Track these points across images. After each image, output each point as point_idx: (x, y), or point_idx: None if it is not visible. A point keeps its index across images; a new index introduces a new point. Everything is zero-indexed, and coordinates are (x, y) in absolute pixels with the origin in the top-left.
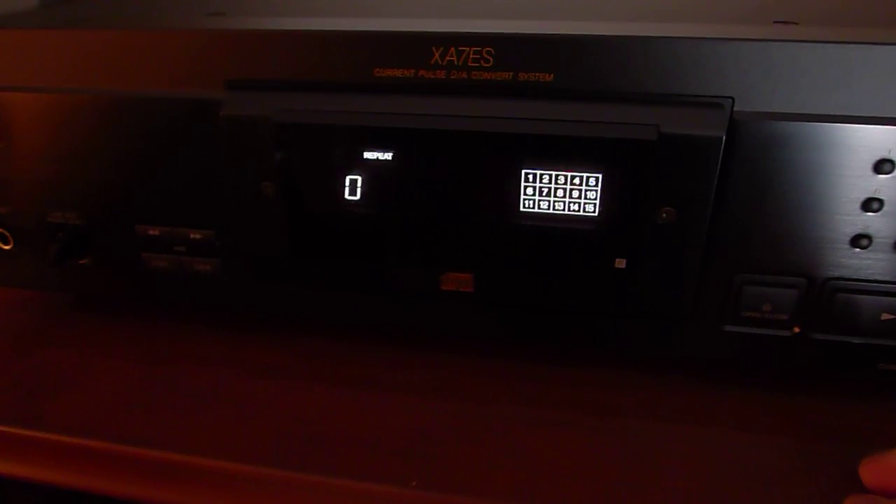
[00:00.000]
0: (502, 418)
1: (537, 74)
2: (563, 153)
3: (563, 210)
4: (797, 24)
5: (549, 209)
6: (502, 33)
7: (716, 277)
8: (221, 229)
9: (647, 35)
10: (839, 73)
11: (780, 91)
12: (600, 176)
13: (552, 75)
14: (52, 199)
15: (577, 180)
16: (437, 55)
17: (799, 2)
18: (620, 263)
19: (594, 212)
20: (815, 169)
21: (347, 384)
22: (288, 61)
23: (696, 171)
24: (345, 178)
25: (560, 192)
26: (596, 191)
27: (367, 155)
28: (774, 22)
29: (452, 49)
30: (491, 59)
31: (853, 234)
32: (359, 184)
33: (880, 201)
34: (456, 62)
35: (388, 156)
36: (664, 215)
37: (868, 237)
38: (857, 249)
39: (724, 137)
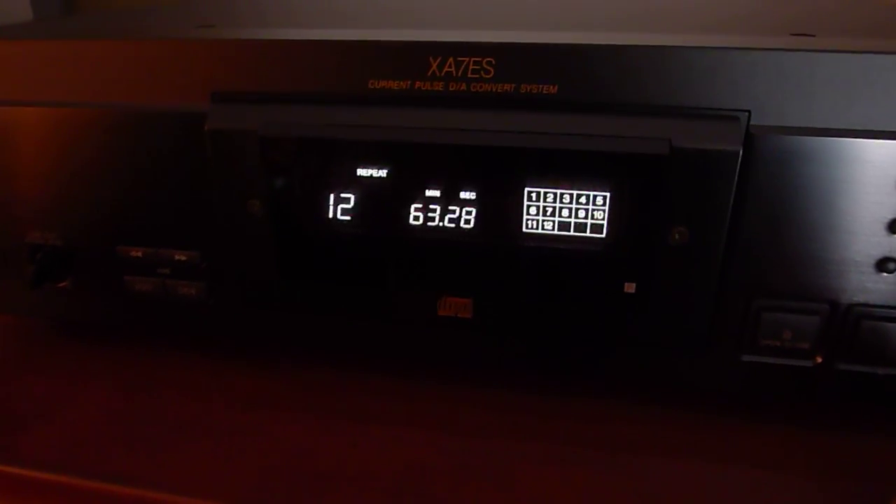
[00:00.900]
0: (503, 454)
1: (541, 86)
2: (568, 169)
3: (569, 231)
4: (814, 35)
5: (553, 230)
6: (504, 42)
7: (732, 303)
8: (207, 251)
9: (657, 44)
10: (861, 84)
11: (798, 104)
12: (608, 194)
13: (556, 87)
14: (31, 217)
15: (583, 199)
16: (434, 66)
17: (815, 14)
18: (630, 288)
19: (601, 233)
20: (836, 186)
21: (338, 416)
22: (277, 72)
23: (711, 188)
24: (336, 196)
25: (565, 212)
26: (603, 210)
27: (361, 171)
28: (791, 34)
29: (451, 59)
30: (492, 70)
31: (879, 257)
32: (351, 202)
33: None
34: (454, 73)
35: (383, 172)
36: (676, 236)
37: (894, 260)
38: (884, 273)
39: (740, 152)
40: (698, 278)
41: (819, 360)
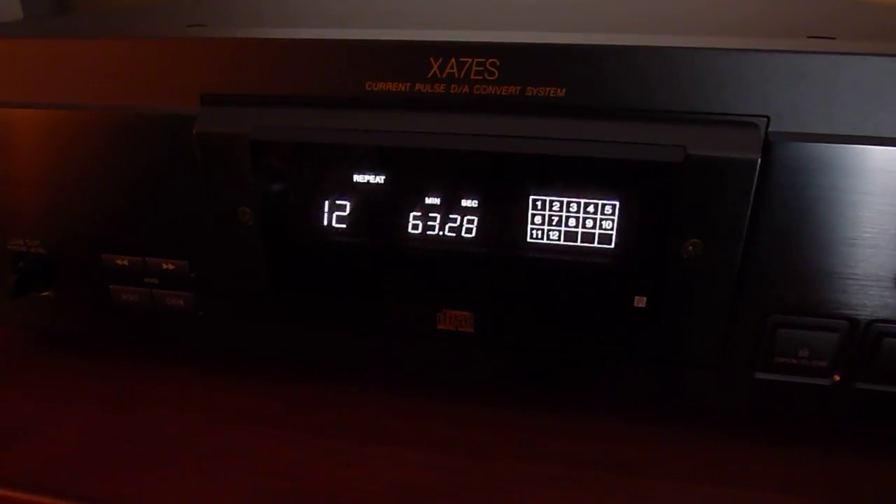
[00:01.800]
0: (505, 475)
1: (548, 89)
2: (575, 177)
3: (576, 241)
4: (834, 38)
5: (559, 240)
6: (509, 43)
7: (747, 318)
8: (196, 260)
9: (671, 45)
10: (886, 89)
11: (820, 109)
12: (618, 203)
13: (564, 90)
14: (12, 224)
15: (591, 208)
16: (435, 67)
17: (833, 18)
18: (640, 302)
19: (610, 243)
20: (858, 197)
21: (332, 434)
22: (269, 73)
23: (727, 198)
24: (331, 204)
25: (572, 221)
26: (613, 220)
27: (357, 178)
28: (809, 37)
29: (453, 60)
30: (496, 72)
31: None
32: (347, 210)
33: None
34: (457, 75)
35: (380, 179)
36: (690, 248)
37: None
38: None
39: (758, 160)
40: (712, 292)
41: (837, 378)
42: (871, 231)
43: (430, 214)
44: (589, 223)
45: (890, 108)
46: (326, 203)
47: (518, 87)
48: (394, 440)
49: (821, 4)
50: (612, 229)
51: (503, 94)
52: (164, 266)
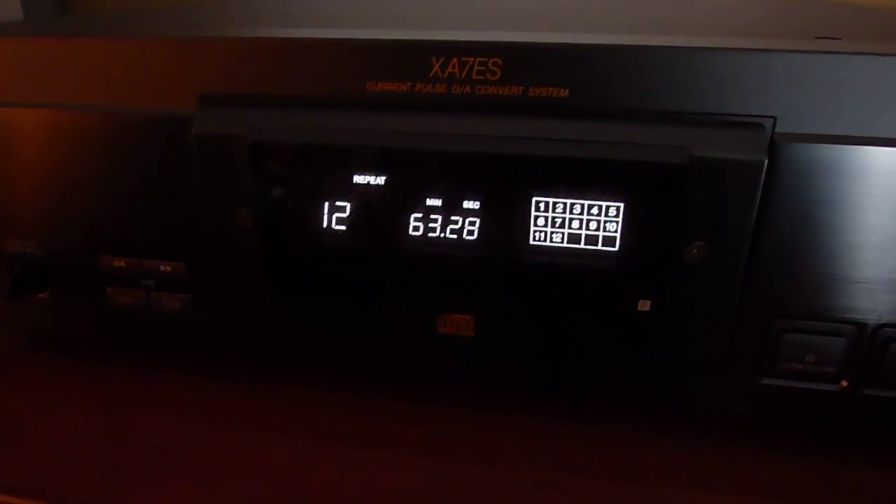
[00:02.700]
0: (506, 482)
1: (551, 89)
2: (579, 179)
3: (579, 244)
4: (840, 39)
5: (562, 242)
6: (511, 42)
7: (752, 323)
8: (193, 262)
9: (676, 45)
10: (893, 89)
11: (827, 110)
12: (622, 205)
13: (567, 90)
14: (8, 225)
15: (594, 210)
16: (436, 67)
17: (838, 19)
18: (644, 306)
19: (614, 246)
20: (865, 200)
21: (330, 440)
22: (268, 73)
23: (733, 200)
24: (331, 205)
25: (575, 224)
26: (616, 222)
27: (357, 179)
28: (815, 38)
29: (455, 60)
30: (498, 72)
31: None
32: (346, 211)
33: None
34: (458, 75)
35: (381, 180)
36: (695, 251)
37: None
38: None
39: (765, 161)
40: (717, 296)
41: (845, 384)
42: (879, 234)
43: (431, 216)
44: (592, 225)
45: (894, 108)
46: (325, 205)
47: (521, 88)
48: (393, 446)
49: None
50: (615, 231)
51: (505, 94)
52: (162, 268)
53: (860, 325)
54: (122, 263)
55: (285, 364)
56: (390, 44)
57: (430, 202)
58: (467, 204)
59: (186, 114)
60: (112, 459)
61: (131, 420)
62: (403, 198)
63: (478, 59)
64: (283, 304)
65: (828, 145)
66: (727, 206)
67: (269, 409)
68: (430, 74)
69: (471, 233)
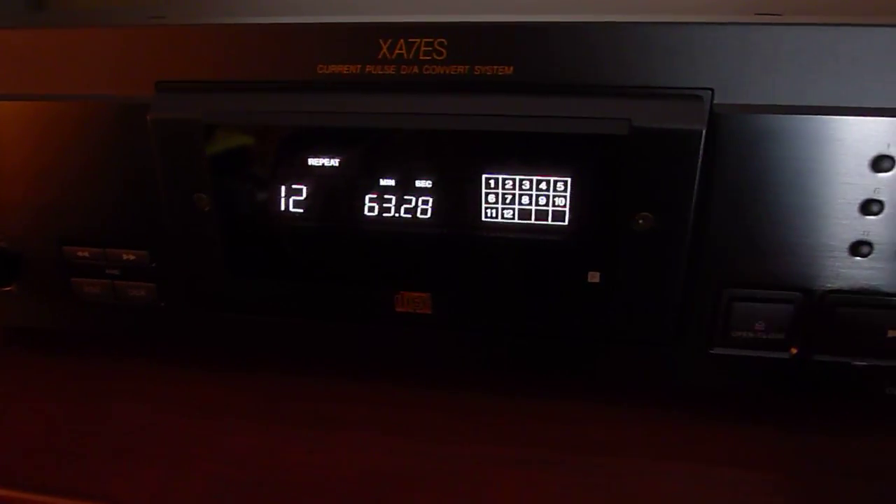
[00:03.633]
0: (468, 458)
1: (495, 67)
2: (526, 154)
3: (530, 219)
4: (780, 15)
5: (513, 218)
6: (456, 22)
7: (702, 293)
8: (156, 249)
9: (615, 21)
10: (829, 60)
11: (764, 81)
12: (569, 179)
13: (512, 68)
14: None
15: (543, 185)
16: (385, 48)
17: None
18: (594, 277)
19: (564, 220)
20: (806, 167)
21: (296, 423)
22: (223, 59)
23: (674, 170)
24: (287, 188)
25: (525, 199)
26: (565, 196)
27: (312, 161)
28: (756, 14)
29: (402, 41)
30: (444, 52)
31: (852, 241)
32: (303, 194)
33: (880, 203)
34: (406, 55)
35: (335, 161)
36: (641, 221)
37: (868, 244)
38: (858, 258)
39: (703, 131)
40: (665, 266)
41: (794, 351)
42: (821, 201)
43: (386, 196)
44: (542, 200)
45: (833, 78)
46: (281, 187)
47: (466, 67)
48: (357, 426)
49: None
50: (564, 206)
51: (452, 73)
52: (125, 257)
53: (807, 292)
54: (86, 253)
55: (251, 349)
56: (340, 27)
57: (383, 182)
58: (420, 183)
59: (145, 101)
60: (81, 446)
61: (100, 408)
62: (357, 178)
63: (424, 40)
64: (243, 287)
65: (766, 115)
66: (670, 177)
67: (234, 393)
68: (379, 56)
69: (424, 211)
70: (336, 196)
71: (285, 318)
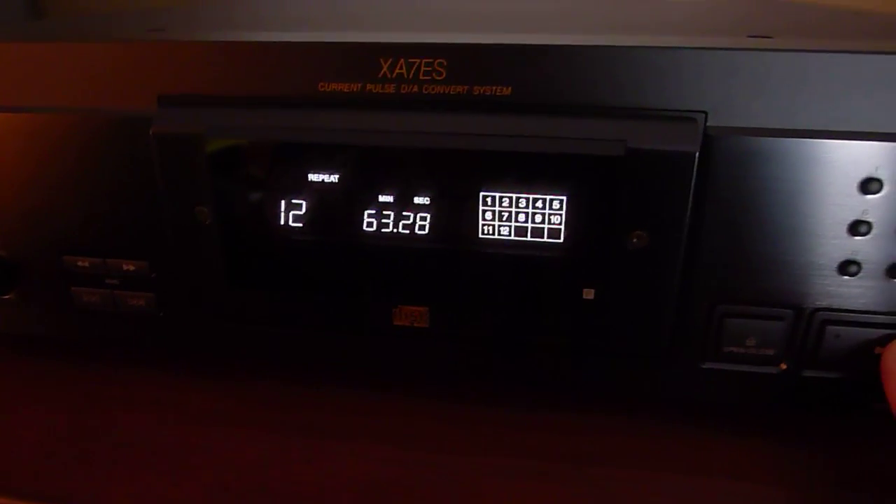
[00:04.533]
0: (467, 468)
1: (494, 87)
2: (523, 173)
3: (526, 236)
4: (771, 38)
5: (510, 235)
6: (455, 43)
7: (694, 309)
8: (156, 260)
9: (611, 44)
10: (821, 84)
11: (757, 104)
12: (565, 198)
13: (510, 88)
14: None
15: (539, 203)
16: (385, 67)
17: (773, 20)
18: (588, 294)
19: (559, 237)
20: (796, 188)
21: (293, 431)
22: (225, 75)
23: (668, 190)
24: (287, 203)
25: (522, 217)
26: (560, 214)
27: (312, 176)
28: (748, 36)
29: (402, 61)
30: (444, 72)
31: (841, 260)
32: (302, 208)
33: (868, 224)
34: (406, 75)
35: (335, 177)
36: (635, 240)
37: (857, 263)
38: (846, 277)
39: (696, 153)
40: (659, 283)
41: (784, 367)
42: (811, 221)
43: (384, 212)
44: (538, 218)
45: (824, 102)
46: (281, 202)
47: (465, 87)
48: (355, 436)
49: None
50: (560, 224)
51: (451, 93)
52: (125, 267)
53: (797, 309)
54: (86, 263)
55: (250, 359)
56: (341, 46)
57: (382, 198)
58: (418, 199)
59: (147, 115)
60: (79, 454)
61: (98, 416)
62: (357, 194)
63: (424, 60)
64: (242, 299)
65: (758, 137)
66: (664, 197)
67: (234, 402)
68: (380, 75)
69: (422, 227)
70: (335, 211)
71: (284, 329)
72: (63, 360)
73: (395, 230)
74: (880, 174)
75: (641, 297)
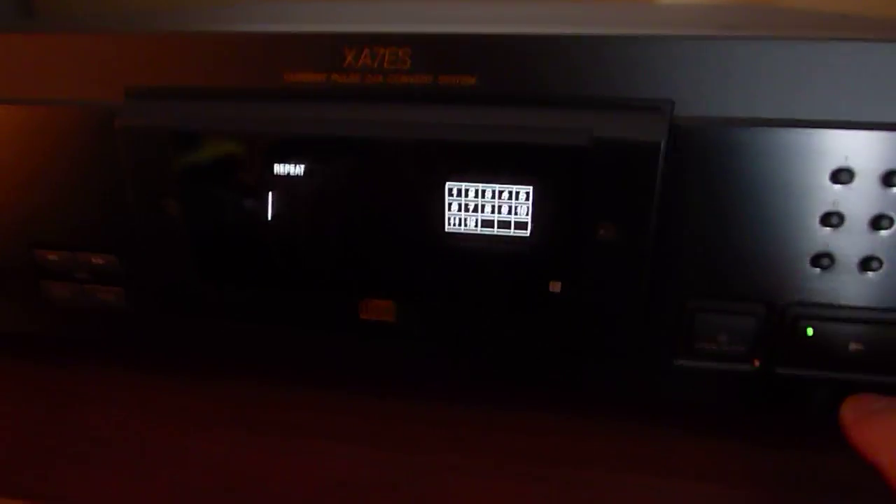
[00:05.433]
0: (435, 468)
1: (459, 77)
2: (488, 164)
3: (493, 229)
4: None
5: (476, 227)
6: (420, 33)
7: (665, 304)
8: (124, 254)
9: (577, 33)
10: (789, 72)
11: (724, 93)
12: (531, 189)
13: (475, 78)
14: None
15: (506, 195)
16: (350, 57)
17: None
18: (555, 287)
19: (526, 230)
20: (766, 179)
21: (262, 430)
22: (191, 66)
23: (635, 181)
24: (252, 194)
25: (488, 209)
26: (527, 206)
27: (277, 168)
28: (718, 27)
29: (367, 50)
30: (409, 61)
31: (813, 253)
32: (268, 200)
33: (840, 215)
34: (371, 64)
35: (300, 169)
36: (602, 232)
37: (829, 256)
38: (818, 270)
39: (662, 143)
40: (627, 277)
41: (757, 363)
42: (781, 213)
43: (351, 203)
44: (504, 210)
45: (794, 91)
46: (247, 194)
47: (431, 76)
48: (323, 435)
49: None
50: (526, 215)
51: (416, 83)
52: (94, 261)
53: (769, 304)
54: (56, 257)
55: (218, 355)
56: (306, 36)
57: (348, 190)
58: (384, 191)
59: (114, 106)
60: (46, 452)
61: (66, 415)
62: (323, 186)
63: (389, 49)
64: (209, 294)
65: (726, 127)
66: (630, 188)
67: (202, 401)
68: (345, 64)
69: (388, 219)
70: (301, 203)
71: (252, 325)
72: (30, 355)
73: (361, 222)
74: (851, 164)
75: (610, 291)
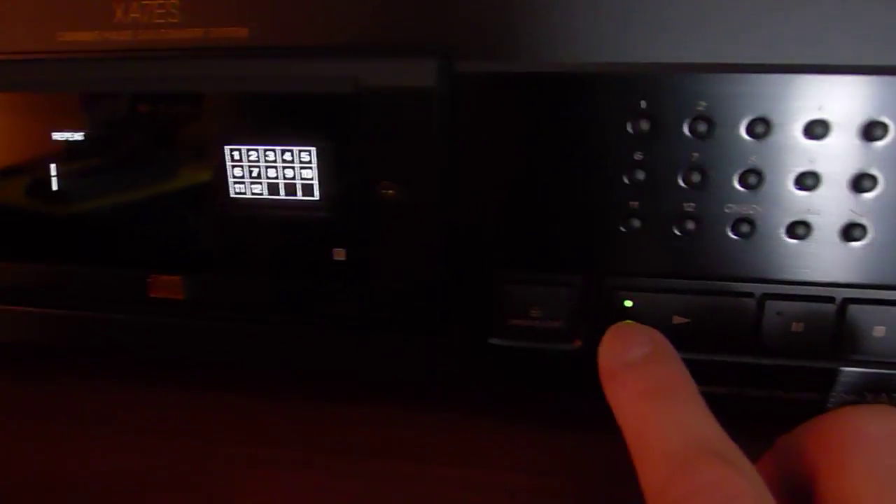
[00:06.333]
0: (220, 458)
1: (231, 30)
2: (266, 122)
3: (279, 194)
4: None
5: (263, 194)
6: None
7: (469, 274)
8: None
9: None
10: (575, 8)
11: (505, 35)
12: (312, 149)
13: (246, 30)
14: None
15: (288, 156)
16: (119, 13)
17: None
18: (339, 255)
19: (312, 194)
20: (560, 129)
21: (42, 419)
22: None
23: (411, 134)
24: (30, 161)
25: (272, 172)
26: (311, 168)
27: (55, 135)
28: None
29: (136, 4)
30: (178, 14)
31: (625, 212)
32: (47, 170)
33: (644, 168)
34: (141, 19)
35: (78, 135)
36: (384, 191)
37: (637, 216)
38: (626, 230)
39: (434, 88)
40: (421, 242)
41: (579, 343)
42: (585, 167)
43: (131, 171)
44: (289, 173)
45: (581, 28)
46: (26, 161)
47: (202, 30)
48: (109, 425)
49: None
50: (311, 178)
51: (188, 37)
52: None
53: (586, 274)
54: None
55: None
56: None
57: (127, 156)
58: (164, 155)
59: None
60: None
61: None
62: (103, 150)
63: (157, 3)
64: None
65: (510, 71)
66: (408, 142)
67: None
68: (115, 20)
69: (172, 187)
70: (80, 171)
71: (34, 307)
72: None
73: (143, 191)
74: (650, 110)
75: (403, 259)
